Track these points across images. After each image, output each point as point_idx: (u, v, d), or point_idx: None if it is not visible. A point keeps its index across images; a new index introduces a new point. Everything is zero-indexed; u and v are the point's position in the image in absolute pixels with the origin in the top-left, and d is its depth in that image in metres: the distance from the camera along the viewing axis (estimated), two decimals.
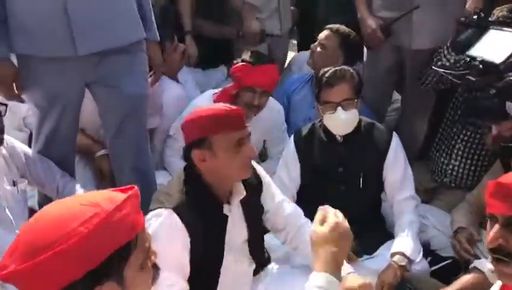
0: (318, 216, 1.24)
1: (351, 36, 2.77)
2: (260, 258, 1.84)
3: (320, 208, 1.26)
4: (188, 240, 1.56)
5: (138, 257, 0.95)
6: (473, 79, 1.91)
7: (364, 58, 2.84)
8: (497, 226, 1.10)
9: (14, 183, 1.96)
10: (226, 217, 1.65)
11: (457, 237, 2.08)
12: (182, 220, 1.55)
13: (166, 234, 1.53)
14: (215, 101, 2.55)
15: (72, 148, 2.25)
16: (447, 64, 2.43)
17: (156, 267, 1.02)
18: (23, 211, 1.95)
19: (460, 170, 2.51)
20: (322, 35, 2.77)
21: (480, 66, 1.89)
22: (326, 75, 2.12)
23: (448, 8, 2.55)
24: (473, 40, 2.02)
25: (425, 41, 2.55)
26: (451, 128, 2.55)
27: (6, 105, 1.93)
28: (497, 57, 1.86)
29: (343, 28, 2.78)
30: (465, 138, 2.49)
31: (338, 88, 2.09)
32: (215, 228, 1.64)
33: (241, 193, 1.68)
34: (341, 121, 2.10)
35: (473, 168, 2.48)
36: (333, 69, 2.14)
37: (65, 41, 1.86)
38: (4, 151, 1.95)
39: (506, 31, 1.96)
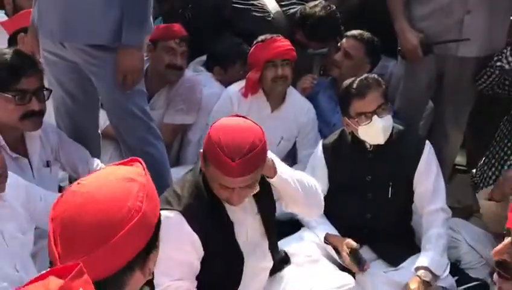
0: None
1: (375, 42, 2.70)
2: (277, 254, 1.83)
3: None
4: (199, 241, 1.59)
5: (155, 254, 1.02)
6: None
7: (399, 67, 2.73)
8: (508, 240, 1.07)
9: (48, 164, 2.04)
10: (231, 221, 1.66)
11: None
12: (189, 223, 1.58)
13: (176, 239, 1.54)
14: (244, 95, 2.60)
15: (95, 128, 2.33)
16: (506, 66, 2.32)
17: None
18: (54, 192, 2.01)
19: None
20: (347, 44, 2.70)
21: None
22: (354, 86, 2.06)
23: (498, 17, 2.44)
24: None
25: (473, 49, 2.44)
26: (506, 142, 2.41)
27: (50, 90, 2.01)
28: None
29: (366, 34, 2.70)
30: None
31: (370, 97, 2.03)
32: (223, 229, 1.65)
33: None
34: (380, 129, 2.04)
35: None
36: (358, 79, 2.08)
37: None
38: (40, 132, 2.02)
39: None
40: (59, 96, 2.24)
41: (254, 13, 2.95)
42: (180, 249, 1.56)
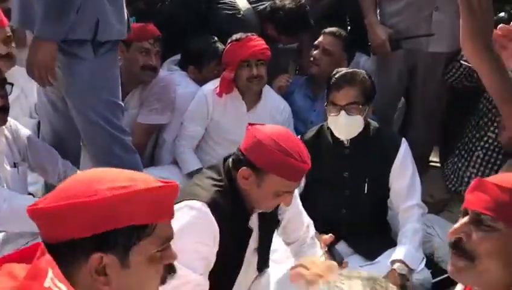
0: None
1: (350, 38, 2.77)
2: (264, 267, 1.83)
3: None
4: (218, 238, 1.55)
5: (150, 246, 0.93)
6: None
7: (372, 62, 2.79)
8: (464, 220, 1.07)
9: (15, 165, 1.97)
10: (251, 230, 1.66)
11: None
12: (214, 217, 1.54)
13: (201, 228, 1.52)
14: (218, 94, 2.57)
15: (75, 136, 2.24)
16: None
17: (169, 270, 0.99)
18: (22, 193, 1.96)
19: None
20: (325, 41, 2.74)
21: None
22: (336, 76, 2.10)
23: None
24: None
25: (443, 44, 2.50)
26: (474, 133, 2.46)
27: (12, 84, 1.95)
28: None
29: (342, 30, 2.77)
30: (486, 145, 2.40)
31: (345, 91, 2.05)
32: (240, 237, 1.64)
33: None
34: (342, 126, 2.07)
35: None
36: (344, 72, 2.11)
37: None
38: (7, 132, 1.96)
39: None
40: (43, 102, 2.18)
41: (225, 11, 2.95)
42: (205, 242, 1.52)
